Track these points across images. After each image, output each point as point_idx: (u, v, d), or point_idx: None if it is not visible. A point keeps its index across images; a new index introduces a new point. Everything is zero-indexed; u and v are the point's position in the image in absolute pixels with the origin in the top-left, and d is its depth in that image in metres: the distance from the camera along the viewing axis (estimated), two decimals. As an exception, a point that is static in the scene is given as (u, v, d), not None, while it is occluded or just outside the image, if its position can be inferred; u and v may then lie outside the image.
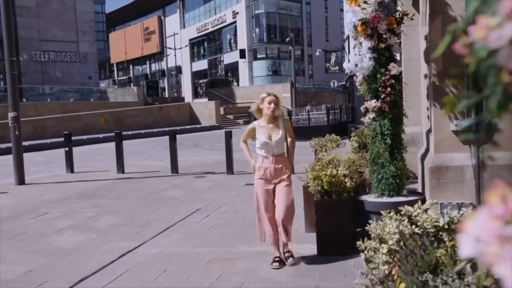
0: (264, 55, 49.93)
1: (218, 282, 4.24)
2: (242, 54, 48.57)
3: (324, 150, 7.99)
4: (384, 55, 4.59)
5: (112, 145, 12.42)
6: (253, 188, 4.67)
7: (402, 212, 2.79)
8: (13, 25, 11.82)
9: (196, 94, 55.93)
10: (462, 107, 0.54)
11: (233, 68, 52.43)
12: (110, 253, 5.24)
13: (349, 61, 4.81)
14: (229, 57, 52.44)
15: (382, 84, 4.61)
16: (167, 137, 12.01)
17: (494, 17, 0.47)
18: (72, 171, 12.00)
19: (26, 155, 12.00)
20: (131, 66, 66.81)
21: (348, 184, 4.77)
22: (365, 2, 4.35)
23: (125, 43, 64.36)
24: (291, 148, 4.88)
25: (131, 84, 56.70)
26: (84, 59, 42.86)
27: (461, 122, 4.19)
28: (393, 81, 4.61)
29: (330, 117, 22.11)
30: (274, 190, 4.57)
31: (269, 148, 4.53)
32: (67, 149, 12.14)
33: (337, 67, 45.87)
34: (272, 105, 4.51)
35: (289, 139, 4.86)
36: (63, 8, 41.47)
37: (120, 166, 11.68)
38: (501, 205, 0.43)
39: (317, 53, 44.13)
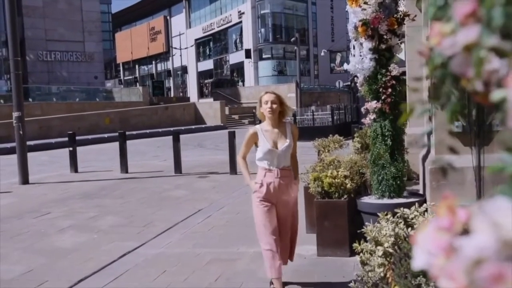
0: (269, 55, 49.89)
1: (217, 283, 4.24)
2: (248, 54, 48.56)
3: (327, 150, 7.97)
4: (385, 56, 4.57)
5: (117, 144, 12.45)
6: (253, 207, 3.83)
7: (398, 215, 2.77)
8: (18, 26, 11.88)
9: (201, 94, 55.99)
10: (419, 115, 0.53)
11: (238, 68, 52.43)
12: (111, 253, 5.24)
13: (349, 62, 4.79)
14: (234, 57, 52.45)
15: (383, 85, 4.59)
16: (171, 137, 12.03)
17: (448, 23, 0.46)
18: (76, 171, 12.04)
19: (31, 155, 12.07)
20: (137, 66, 67.01)
21: (348, 185, 4.75)
22: (365, 3, 4.33)
23: (131, 43, 64.57)
24: (295, 167, 3.94)
25: (137, 84, 56.83)
26: (90, 59, 43.07)
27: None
28: (393, 82, 4.58)
29: (335, 117, 22.05)
30: (277, 211, 3.78)
31: (273, 158, 3.69)
32: (71, 148, 12.18)
33: (342, 68, 45.72)
34: (269, 105, 3.67)
35: (292, 155, 3.91)
36: (69, 8, 41.69)
37: (124, 166, 11.71)
38: (448, 217, 0.41)
39: (322, 53, 44.04)
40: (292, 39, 38.32)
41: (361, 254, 2.64)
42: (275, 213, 3.74)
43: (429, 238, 0.43)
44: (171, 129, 22.87)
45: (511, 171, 0.44)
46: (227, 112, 35.34)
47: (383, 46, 4.56)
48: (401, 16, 4.61)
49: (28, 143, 11.78)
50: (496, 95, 0.40)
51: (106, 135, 23.32)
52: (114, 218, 6.96)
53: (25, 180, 10.55)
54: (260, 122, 4.04)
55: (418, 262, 0.44)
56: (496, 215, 0.34)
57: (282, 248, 3.77)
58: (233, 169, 10.77)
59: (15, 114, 10.74)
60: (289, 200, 3.81)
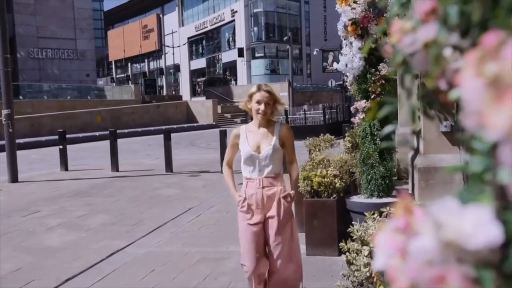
0: (262, 54, 49.87)
1: (205, 282, 4.23)
2: (241, 52, 48.51)
3: (317, 150, 7.99)
4: (374, 55, 4.57)
5: (108, 143, 12.39)
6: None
7: (385, 214, 2.77)
8: (9, 22, 11.77)
9: (194, 93, 55.85)
10: (383, 114, 0.52)
11: (231, 67, 52.35)
12: (99, 252, 5.21)
13: (339, 61, 4.79)
14: (227, 56, 52.37)
15: (372, 85, 4.60)
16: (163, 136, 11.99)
17: (408, 21, 0.45)
18: (66, 169, 11.97)
19: (20, 153, 11.98)
20: (129, 64, 66.71)
21: (338, 184, 4.76)
22: (355, 2, 4.33)
23: (124, 40, 64.26)
24: (293, 177, 3.30)
25: (130, 82, 56.58)
26: (82, 57, 42.76)
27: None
28: (383, 81, 4.59)
29: (327, 116, 22.10)
30: (264, 229, 3.15)
31: (255, 165, 3.09)
32: (61, 147, 12.10)
33: (334, 67, 45.81)
34: (262, 107, 3.07)
35: (288, 164, 3.31)
36: (61, 5, 41.36)
37: (115, 165, 11.65)
38: (403, 217, 0.41)
39: (315, 52, 44.11)
40: (285, 38, 38.37)
41: (347, 254, 2.64)
42: (261, 233, 3.10)
43: (386, 239, 0.42)
44: (163, 127, 22.78)
45: (471, 171, 0.44)
46: (219, 110, 35.31)
47: (373, 46, 4.57)
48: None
49: (18, 141, 11.69)
50: (453, 94, 0.40)
51: (97, 133, 23.18)
52: (103, 217, 6.92)
53: (14, 178, 10.47)
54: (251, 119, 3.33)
55: (377, 263, 0.44)
56: (442, 216, 0.33)
57: (270, 279, 3.17)
58: (224, 168, 10.73)
59: (5, 112, 10.65)
60: (279, 216, 3.08)
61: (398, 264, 0.40)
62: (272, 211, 3.10)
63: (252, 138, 3.15)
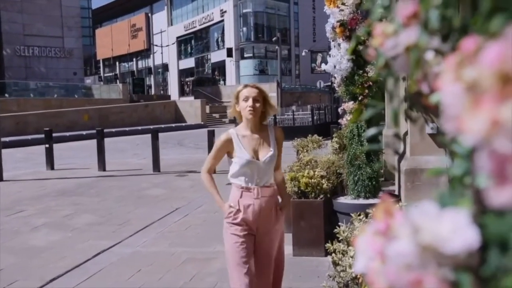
0: (251, 54, 49.88)
1: (191, 282, 4.21)
2: (229, 53, 48.47)
3: (305, 150, 8.01)
4: (362, 57, 4.60)
5: (95, 142, 12.29)
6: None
7: (371, 215, 2.78)
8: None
9: (182, 92, 55.67)
10: (367, 116, 0.52)
11: (220, 67, 52.29)
12: (85, 252, 5.17)
13: (327, 63, 4.81)
14: (216, 56, 52.30)
15: (360, 86, 4.62)
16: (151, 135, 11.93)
17: (391, 24, 0.45)
18: (52, 168, 11.85)
19: (6, 151, 11.83)
20: (117, 63, 66.26)
21: (325, 185, 4.78)
22: (343, 4, 4.35)
23: (112, 39, 63.84)
24: (281, 184, 3.05)
25: (117, 81, 56.16)
26: (69, 55, 42.39)
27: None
28: (370, 83, 4.62)
29: (315, 117, 22.17)
30: (255, 244, 2.85)
31: (253, 173, 2.79)
32: (47, 145, 11.98)
33: (321, 68, 45.97)
34: (250, 102, 2.76)
35: (275, 169, 2.95)
36: (48, 3, 40.96)
37: (102, 164, 11.56)
38: (384, 220, 0.41)
39: (304, 53, 44.23)
40: (274, 39, 38.43)
41: (333, 255, 2.65)
42: (252, 247, 2.82)
43: (367, 242, 0.43)
44: (151, 127, 22.67)
45: (451, 175, 0.44)
46: (207, 110, 35.26)
47: (360, 47, 4.59)
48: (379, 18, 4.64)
49: (3, 139, 11.55)
50: (433, 97, 0.40)
51: (84, 132, 22.99)
52: (90, 217, 6.86)
53: (-1, 177, 10.34)
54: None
55: (358, 265, 0.44)
56: (420, 220, 0.33)
57: None
58: (212, 168, 10.71)
59: (-11, 110, 10.51)
60: (274, 229, 2.86)
61: (378, 267, 0.40)
62: (270, 222, 2.83)
63: (248, 143, 2.82)
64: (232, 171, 2.85)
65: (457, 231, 0.32)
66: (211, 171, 2.99)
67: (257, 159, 2.80)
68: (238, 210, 2.82)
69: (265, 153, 2.81)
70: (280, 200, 2.97)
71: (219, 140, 2.90)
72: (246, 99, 2.77)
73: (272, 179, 2.90)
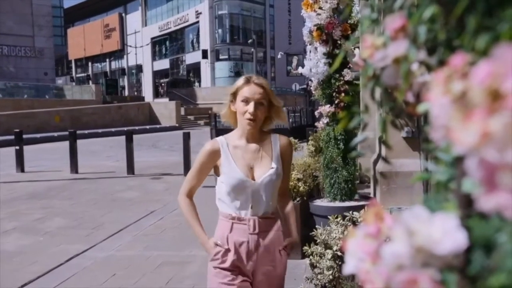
0: (226, 56, 49.84)
1: (168, 286, 4.19)
2: (205, 54, 48.31)
3: (281, 153, 8.06)
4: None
5: (67, 144, 12.07)
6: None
7: (348, 218, 2.83)
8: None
9: (156, 94, 55.19)
10: (355, 124, 0.54)
11: (195, 69, 52.06)
12: (57, 257, 5.08)
13: (304, 66, 4.86)
14: (191, 57, 52.05)
15: (336, 90, 4.69)
16: (124, 137, 11.79)
17: (379, 37, 0.48)
18: (22, 171, 11.58)
19: (-27, 153, 11.50)
20: (90, 63, 65.23)
21: (301, 188, 4.82)
22: (320, 8, 4.41)
23: (84, 39, 62.81)
24: (289, 215, 2.30)
25: (90, 82, 55.35)
26: (40, 55, 41.53)
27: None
28: (347, 86, 4.69)
29: (291, 120, 22.30)
30: None
31: (247, 198, 2.08)
32: (17, 147, 11.70)
33: (298, 71, 46.33)
34: (251, 108, 2.06)
35: (280, 195, 2.22)
36: (18, 0, 40.03)
37: (74, 166, 11.36)
38: (374, 223, 0.43)
39: (279, 56, 44.46)
40: (250, 41, 38.54)
41: (310, 257, 2.68)
42: None
43: (357, 244, 0.44)
44: (125, 128, 22.40)
45: (436, 181, 0.46)
46: (182, 112, 35.05)
47: (337, 51, 4.66)
48: (355, 22, 4.72)
49: (-29, 141, 11.22)
50: (421, 107, 0.42)
51: (56, 134, 22.53)
52: (62, 220, 6.74)
53: (-34, 179, 10.04)
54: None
55: (348, 267, 0.46)
56: (412, 223, 0.35)
57: None
58: (187, 170, 10.67)
59: (-43, 110, 10.21)
60: (275, 275, 2.16)
61: (368, 268, 0.42)
62: (269, 264, 2.13)
63: (241, 157, 2.12)
64: (219, 194, 2.15)
65: (447, 233, 0.34)
66: (191, 194, 2.25)
67: (253, 178, 2.09)
68: (227, 250, 2.08)
69: (264, 171, 2.10)
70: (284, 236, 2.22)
71: (202, 151, 2.17)
72: (246, 101, 2.07)
73: (274, 206, 2.17)
